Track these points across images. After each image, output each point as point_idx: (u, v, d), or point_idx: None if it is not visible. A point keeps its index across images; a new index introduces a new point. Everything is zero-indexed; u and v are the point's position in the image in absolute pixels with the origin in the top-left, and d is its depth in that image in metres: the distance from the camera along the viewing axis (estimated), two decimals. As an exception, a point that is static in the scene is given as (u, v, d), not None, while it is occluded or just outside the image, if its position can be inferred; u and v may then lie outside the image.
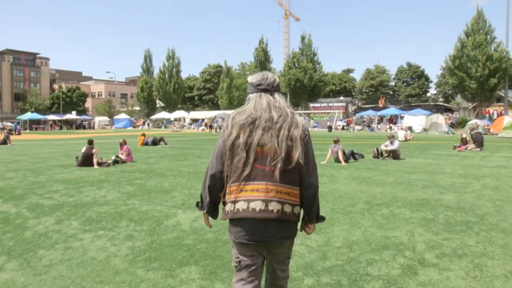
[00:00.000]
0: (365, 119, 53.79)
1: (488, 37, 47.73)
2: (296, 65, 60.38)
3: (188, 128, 62.73)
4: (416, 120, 41.91)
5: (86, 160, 12.09)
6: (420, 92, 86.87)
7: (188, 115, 69.50)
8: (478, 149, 17.69)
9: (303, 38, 61.65)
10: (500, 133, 31.79)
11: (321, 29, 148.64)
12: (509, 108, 51.12)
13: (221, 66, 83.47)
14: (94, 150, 12.19)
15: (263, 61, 65.91)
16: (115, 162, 12.83)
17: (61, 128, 65.32)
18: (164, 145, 22.05)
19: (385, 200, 6.88)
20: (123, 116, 73.83)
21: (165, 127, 64.58)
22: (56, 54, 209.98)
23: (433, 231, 4.98)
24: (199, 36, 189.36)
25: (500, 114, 53.32)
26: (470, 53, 46.57)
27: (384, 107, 58.66)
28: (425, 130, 40.17)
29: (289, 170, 2.26)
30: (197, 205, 2.59)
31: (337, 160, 12.78)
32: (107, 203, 6.83)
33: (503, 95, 52.66)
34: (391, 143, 14.05)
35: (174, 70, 76.13)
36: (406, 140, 25.90)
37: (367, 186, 8.33)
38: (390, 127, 46.85)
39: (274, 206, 2.24)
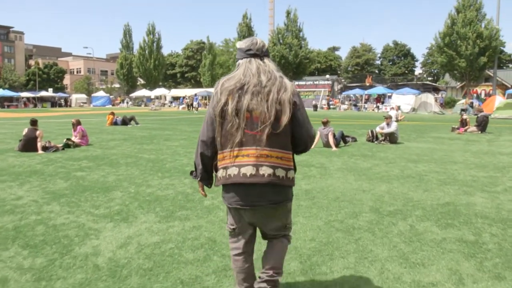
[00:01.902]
0: (351, 98, 52.09)
1: (479, 14, 46.12)
2: (281, 41, 57.95)
3: (169, 106, 60.30)
4: (404, 99, 40.29)
5: (28, 144, 10.06)
6: (406, 71, 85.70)
7: (169, 93, 66.86)
8: (479, 132, 16.11)
9: (288, 13, 59.10)
10: (492, 113, 30.44)
11: (306, 6, 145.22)
12: (497, 87, 50.06)
13: (204, 43, 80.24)
14: (38, 132, 10.15)
15: (247, 37, 62.37)
16: (66, 146, 10.82)
17: (35, 106, 62.23)
18: (135, 125, 19.99)
19: (397, 205, 5.10)
20: (101, 93, 70.86)
21: (145, 105, 62.02)
22: (35, 29, 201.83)
23: (489, 270, 3.20)
24: (182, 12, 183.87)
25: (488, 94, 52.33)
26: (460, 30, 44.90)
27: (371, 86, 56.93)
28: (414, 109, 38.69)
29: (279, 134, 2.24)
30: (191, 173, 2.58)
31: (326, 144, 10.99)
32: (13, 210, 4.90)
33: (491, 74, 51.54)
34: (388, 124, 12.29)
35: (154, 45, 72.92)
36: (397, 120, 24.26)
37: (368, 181, 6.54)
38: (378, 106, 45.31)
39: (265, 171, 2.21)
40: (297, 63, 57.18)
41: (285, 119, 2.21)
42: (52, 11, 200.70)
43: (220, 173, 2.32)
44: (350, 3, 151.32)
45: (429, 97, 39.70)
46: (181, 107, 51.25)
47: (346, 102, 50.63)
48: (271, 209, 2.30)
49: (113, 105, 66.37)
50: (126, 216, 4.62)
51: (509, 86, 54.80)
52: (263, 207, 2.28)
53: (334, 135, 10.97)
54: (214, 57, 73.24)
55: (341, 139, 11.44)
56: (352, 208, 4.92)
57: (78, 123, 11.70)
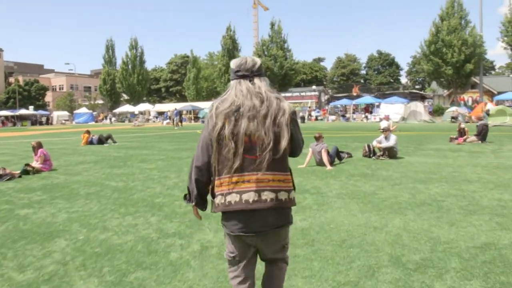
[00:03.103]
0: (338, 109, 51.25)
1: (463, 21, 45.96)
2: (266, 53, 57.18)
3: (154, 122, 58.85)
4: (393, 108, 39.38)
5: (-22, 173, 8.71)
6: (392, 80, 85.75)
7: (153, 108, 65.40)
8: (479, 141, 15.13)
9: (272, 24, 58.46)
10: (487, 119, 29.69)
11: (290, 18, 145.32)
12: (484, 94, 49.78)
13: (188, 56, 79.21)
14: (-11, 159, 8.81)
15: (231, 50, 62.19)
16: (24, 172, 9.48)
17: (14, 124, 60.31)
18: (112, 143, 18.63)
19: (424, 251, 3.91)
20: (84, 110, 69.18)
21: (129, 121, 60.42)
22: (16, 45, 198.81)
23: None
24: (166, 26, 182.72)
25: (475, 101, 52.06)
26: (445, 38, 44.60)
27: (358, 96, 56.30)
28: (403, 119, 37.84)
29: (278, 157, 2.19)
30: (184, 197, 2.50)
31: (320, 162, 9.83)
32: None
33: (477, 81, 51.34)
34: (386, 138, 11.19)
35: (137, 60, 71.58)
36: (383, 130, 23.30)
37: (377, 213, 5.35)
38: (366, 116, 44.49)
39: (267, 195, 2.16)
40: (282, 74, 56.37)
41: (284, 143, 2.17)
42: (33, 27, 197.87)
43: (218, 199, 2.23)
44: (333, 14, 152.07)
45: (418, 106, 38.95)
46: (165, 122, 49.89)
47: (334, 114, 49.75)
48: (274, 233, 2.26)
49: (96, 121, 64.78)
50: (57, 285, 3.35)
51: (496, 92, 54.73)
52: (266, 233, 2.22)
53: (328, 152, 9.82)
54: (198, 71, 72.23)
55: (335, 155, 10.28)
56: (366, 259, 3.71)
57: (39, 145, 10.36)
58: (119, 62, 72.84)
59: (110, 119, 64.25)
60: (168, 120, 49.83)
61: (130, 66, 71.14)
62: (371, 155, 11.32)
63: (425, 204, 5.73)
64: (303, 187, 7.17)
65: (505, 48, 45.80)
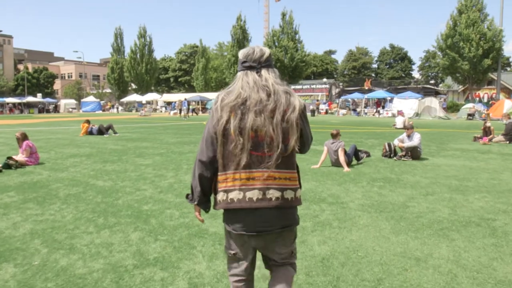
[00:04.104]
0: (350, 103, 49.86)
1: (481, 14, 44.22)
2: (277, 44, 55.80)
3: (161, 112, 57.94)
4: (407, 104, 38.05)
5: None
6: (403, 75, 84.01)
7: (160, 98, 64.46)
8: (507, 142, 13.93)
9: (283, 15, 56.94)
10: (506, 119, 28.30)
11: (302, 9, 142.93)
12: (501, 91, 48.05)
13: (197, 46, 77.97)
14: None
15: (241, 40, 60.85)
16: (6, 166, 8.51)
17: (21, 112, 59.75)
18: (113, 134, 17.67)
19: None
20: (91, 99, 68.45)
21: (136, 110, 59.56)
22: (27, 33, 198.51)
23: None
24: (176, 15, 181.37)
25: (491, 98, 50.38)
26: (463, 31, 42.93)
27: (370, 90, 54.79)
28: (417, 114, 36.48)
29: (286, 155, 2.08)
30: (187, 196, 2.31)
31: (336, 162, 8.74)
32: None
33: (494, 77, 49.65)
34: (409, 137, 10.05)
35: (146, 49, 70.55)
36: (405, 128, 22.10)
37: (414, 235, 4.26)
38: (378, 111, 43.13)
39: (272, 194, 2.05)
40: (293, 66, 55.04)
41: (293, 141, 2.05)
42: (45, 14, 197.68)
43: (220, 196, 2.11)
44: (346, 5, 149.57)
45: (433, 102, 37.48)
46: (172, 112, 48.93)
47: (345, 108, 48.40)
48: (279, 234, 2.14)
49: (103, 110, 64.10)
50: None
51: (513, 89, 52.98)
52: (270, 233, 2.10)
53: (345, 152, 8.72)
54: (207, 61, 71.06)
55: (354, 155, 9.17)
56: (416, 317, 2.64)
57: (24, 137, 9.36)
58: (127, 51, 72.02)
59: (117, 108, 63.44)
60: (175, 110, 48.88)
61: (138, 55, 70.21)
62: (391, 155, 10.19)
63: (472, 224, 4.63)
64: (319, 194, 6.10)
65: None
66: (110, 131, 17.88)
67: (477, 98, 50.98)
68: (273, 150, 2.01)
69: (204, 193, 2.20)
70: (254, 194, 2.04)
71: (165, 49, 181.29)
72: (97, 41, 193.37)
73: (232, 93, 2.09)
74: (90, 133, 17.65)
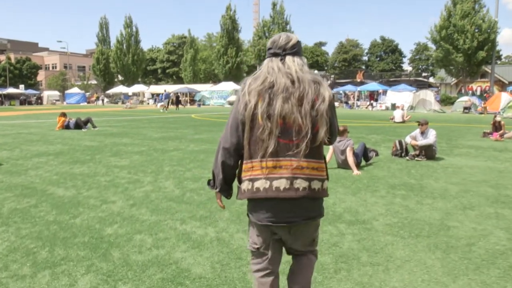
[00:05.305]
0: (341, 95, 48.74)
1: (477, 5, 43.26)
2: (267, 34, 54.38)
3: (148, 104, 56.24)
4: (401, 96, 37.02)
5: None
6: (394, 67, 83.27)
7: (147, 90, 62.69)
8: (520, 137, 12.87)
9: (274, 4, 55.52)
10: (504, 112, 27.44)
11: (292, 0, 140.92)
12: (494, 84, 47.31)
13: (186, 37, 76.05)
14: None
15: (230, 30, 59.22)
16: (-47, 169, 7.14)
17: (2, 103, 57.64)
18: (92, 128, 16.26)
19: None
20: (76, 90, 66.43)
21: (122, 102, 57.74)
22: (10, 23, 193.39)
23: None
24: (164, 5, 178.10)
25: (484, 91, 49.72)
26: (458, 23, 41.97)
27: (362, 82, 53.74)
28: (411, 108, 35.47)
29: (315, 145, 2.03)
30: (208, 183, 2.26)
31: (343, 163, 7.52)
32: None
33: (487, 70, 48.96)
34: (423, 133, 8.87)
35: (132, 39, 68.54)
36: (403, 121, 21.02)
37: (479, 278, 3.06)
38: (371, 104, 42.07)
39: (300, 184, 1.98)
40: (283, 57, 53.63)
41: (322, 132, 1.98)
42: (31, 3, 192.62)
43: (245, 185, 2.04)
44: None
45: (428, 94, 36.47)
46: (159, 104, 47.31)
47: (337, 101, 47.27)
48: (304, 225, 2.09)
49: (88, 102, 62.25)
50: None
51: (507, 82, 52.38)
52: (297, 224, 2.05)
53: (353, 151, 7.49)
54: (196, 52, 69.30)
55: (362, 155, 7.96)
56: None
57: (-23, 133, 7.99)
58: (113, 41, 69.92)
59: (103, 100, 61.48)
60: (162, 103, 47.32)
61: (124, 46, 68.22)
62: (402, 154, 9.01)
63: (549, 257, 3.43)
64: (332, 208, 4.86)
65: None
66: (88, 124, 16.46)
67: (470, 91, 50.27)
68: (301, 138, 1.95)
69: (226, 180, 2.15)
70: (281, 183, 1.96)
71: (153, 39, 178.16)
72: (83, 32, 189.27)
73: (258, 78, 2.03)
74: (67, 127, 16.21)
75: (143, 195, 5.54)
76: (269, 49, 2.11)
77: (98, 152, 9.57)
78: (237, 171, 2.13)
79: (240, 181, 2.11)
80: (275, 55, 2.07)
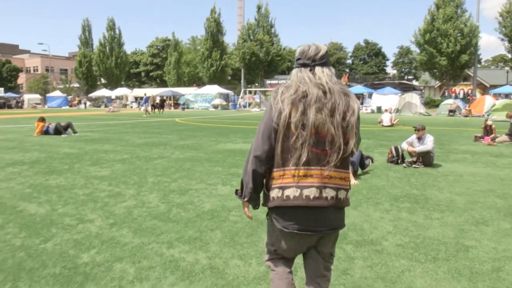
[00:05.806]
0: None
1: (459, 10, 43.64)
2: (252, 37, 53.96)
3: (131, 107, 55.28)
4: (386, 99, 36.97)
5: None
6: (377, 71, 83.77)
7: (131, 93, 61.67)
8: (511, 142, 12.66)
9: (259, 7, 55.15)
10: (490, 115, 27.49)
11: (276, 3, 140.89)
12: (476, 87, 47.77)
13: (170, 40, 75.19)
14: None
15: (215, 33, 58.65)
16: None
17: (-21, 107, 55.99)
18: (72, 134, 15.56)
19: None
20: (57, 93, 64.95)
21: (105, 106, 56.61)
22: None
23: None
24: (147, 7, 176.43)
25: (467, 94, 50.23)
26: (441, 26, 42.27)
27: (347, 85, 53.66)
28: (397, 111, 35.40)
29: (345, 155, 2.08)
30: (236, 192, 2.27)
31: (339, 173, 7.09)
32: None
33: (470, 73, 49.49)
34: (420, 139, 8.52)
35: (115, 42, 67.45)
36: (392, 125, 20.78)
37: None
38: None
39: (328, 193, 2.00)
40: (268, 60, 53.38)
41: (352, 144, 2.02)
42: (10, 5, 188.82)
43: (275, 193, 2.05)
44: (320, 0, 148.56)
45: (414, 97, 36.45)
46: (142, 108, 46.48)
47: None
48: (328, 235, 2.12)
49: (70, 106, 60.94)
50: None
51: (488, 85, 53.01)
52: (322, 233, 2.06)
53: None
54: (180, 55, 68.57)
55: (359, 163, 7.54)
56: None
57: None
58: (96, 44, 68.69)
59: (85, 103, 60.22)
60: (144, 106, 46.48)
61: (107, 48, 67.08)
62: (399, 161, 8.64)
63: None
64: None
65: (502, 40, 43.91)
66: (69, 130, 15.77)
67: (453, 94, 50.70)
68: (333, 149, 1.98)
69: (255, 189, 2.14)
70: (311, 192, 1.98)
71: (136, 42, 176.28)
72: (66, 35, 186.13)
73: (290, 87, 2.03)
74: (46, 132, 15.49)
75: (124, 211, 5.01)
76: (298, 59, 2.12)
77: (77, 161, 8.97)
78: (266, 178, 2.14)
79: (268, 189, 2.11)
80: (304, 65, 2.09)
